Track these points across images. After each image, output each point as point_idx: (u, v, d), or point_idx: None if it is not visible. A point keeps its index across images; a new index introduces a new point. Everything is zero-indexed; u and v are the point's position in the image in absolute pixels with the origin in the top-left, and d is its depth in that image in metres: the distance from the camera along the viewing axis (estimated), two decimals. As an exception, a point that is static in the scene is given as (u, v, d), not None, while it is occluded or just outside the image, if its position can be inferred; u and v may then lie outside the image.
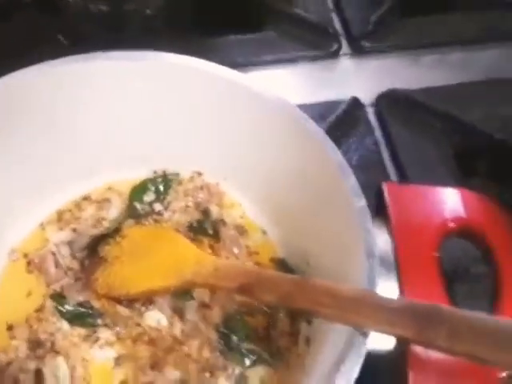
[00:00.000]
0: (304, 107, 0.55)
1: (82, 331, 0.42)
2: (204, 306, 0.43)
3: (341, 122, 0.58)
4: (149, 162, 0.50)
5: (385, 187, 0.39)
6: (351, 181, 0.36)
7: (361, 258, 0.33)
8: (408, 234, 0.37)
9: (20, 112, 0.43)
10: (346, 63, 0.66)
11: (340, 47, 0.65)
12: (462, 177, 0.56)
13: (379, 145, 0.58)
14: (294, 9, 0.67)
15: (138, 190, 0.49)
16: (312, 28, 0.66)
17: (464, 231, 0.39)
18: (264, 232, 0.48)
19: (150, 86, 0.45)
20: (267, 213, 0.48)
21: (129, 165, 0.49)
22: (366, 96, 0.62)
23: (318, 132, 0.39)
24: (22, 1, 0.67)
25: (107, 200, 0.48)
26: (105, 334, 0.42)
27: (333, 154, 0.37)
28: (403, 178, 0.56)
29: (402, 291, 0.36)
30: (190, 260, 0.39)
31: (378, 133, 0.59)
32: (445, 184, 0.55)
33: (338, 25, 0.68)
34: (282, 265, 0.46)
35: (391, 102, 0.61)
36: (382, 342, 0.35)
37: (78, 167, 0.48)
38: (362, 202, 0.35)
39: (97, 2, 0.66)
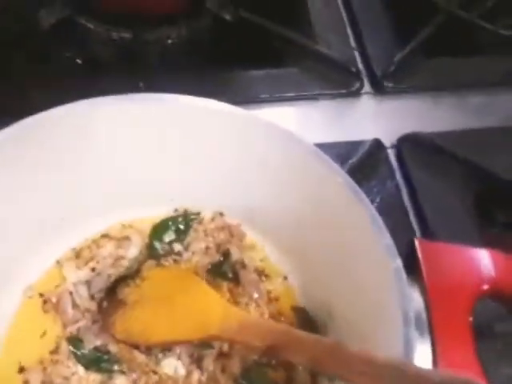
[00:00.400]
0: (324, 146, 0.55)
1: (97, 377, 0.41)
2: (223, 355, 0.42)
3: (362, 163, 0.58)
4: (170, 201, 0.49)
5: (417, 244, 0.38)
6: (386, 238, 0.35)
7: (395, 322, 0.32)
8: (442, 295, 0.36)
9: (42, 150, 0.42)
10: (367, 102, 0.65)
11: (362, 86, 0.65)
12: (481, 223, 0.55)
13: (400, 188, 0.58)
14: (316, 46, 0.66)
15: (159, 229, 0.48)
16: (334, 66, 0.65)
17: (495, 292, 0.38)
18: (285, 277, 0.47)
19: (170, 127, 0.45)
20: (290, 258, 0.47)
21: (150, 202, 0.48)
22: (387, 137, 0.61)
23: (349, 183, 0.38)
24: (40, 27, 0.66)
25: (127, 238, 0.47)
26: (121, 380, 0.41)
27: (366, 207, 0.36)
28: (423, 221, 0.55)
29: (434, 355, 0.35)
30: (216, 313, 0.38)
31: (399, 176, 0.59)
32: (465, 232, 0.55)
33: (360, 63, 0.67)
34: (302, 314, 0.45)
35: (412, 144, 0.61)
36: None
37: (97, 204, 0.47)
38: (397, 263, 0.34)
39: (119, 30, 0.65)
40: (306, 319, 0.44)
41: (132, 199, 0.48)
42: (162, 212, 0.49)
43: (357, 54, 0.68)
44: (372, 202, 0.55)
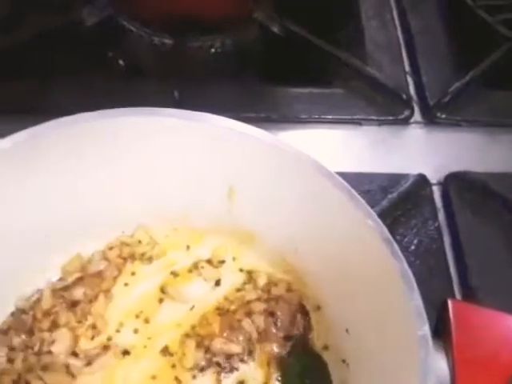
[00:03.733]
0: (363, 176, 0.51)
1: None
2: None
3: (403, 199, 0.53)
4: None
5: (451, 306, 0.33)
6: (415, 299, 0.31)
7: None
8: (472, 368, 0.31)
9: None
10: (416, 132, 0.60)
11: (412, 114, 0.60)
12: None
13: (442, 232, 0.52)
14: (366, 67, 0.62)
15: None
16: (384, 90, 0.60)
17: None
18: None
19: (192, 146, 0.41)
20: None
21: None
22: (434, 173, 0.56)
23: (382, 232, 0.33)
24: (84, 23, 0.65)
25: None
26: None
27: (397, 263, 0.32)
28: (463, 271, 0.50)
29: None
30: None
31: (442, 217, 0.54)
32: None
33: (412, 90, 0.62)
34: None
35: (461, 184, 0.55)
36: None
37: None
38: (424, 330, 0.30)
39: (161, 35, 0.63)
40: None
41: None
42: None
43: (410, 79, 0.63)
44: (409, 242, 0.51)
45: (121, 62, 0.67)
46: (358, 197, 0.36)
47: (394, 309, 0.32)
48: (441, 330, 0.35)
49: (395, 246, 0.33)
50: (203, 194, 0.43)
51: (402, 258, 0.32)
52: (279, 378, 0.40)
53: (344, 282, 0.38)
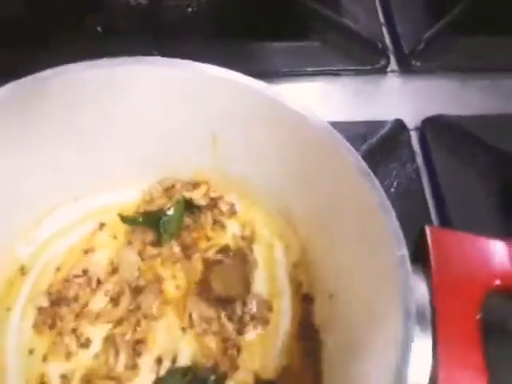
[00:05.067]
0: (344, 124, 0.53)
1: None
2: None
3: (382, 144, 0.55)
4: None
5: (428, 232, 0.35)
6: (393, 222, 0.33)
7: (396, 313, 0.30)
8: (449, 288, 0.34)
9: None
10: (392, 81, 0.62)
11: (388, 63, 0.62)
12: (505, 212, 0.52)
13: (420, 173, 0.55)
14: (342, 19, 0.63)
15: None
16: (360, 40, 0.62)
17: (508, 288, 0.35)
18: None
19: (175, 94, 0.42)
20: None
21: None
22: (411, 118, 0.58)
23: (361, 166, 0.35)
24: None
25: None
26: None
27: (376, 193, 0.34)
28: (442, 211, 0.52)
29: (435, 351, 0.32)
30: None
31: (420, 160, 0.56)
32: (487, 223, 0.52)
33: (387, 39, 0.64)
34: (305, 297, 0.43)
35: (437, 127, 0.57)
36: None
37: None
38: (402, 251, 0.32)
39: (137, -4, 0.63)
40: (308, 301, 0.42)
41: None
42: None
43: (385, 29, 0.65)
44: (389, 185, 0.53)
45: (98, 28, 0.67)
46: (338, 134, 0.37)
47: (373, 235, 0.34)
48: (420, 257, 0.37)
49: (373, 177, 0.35)
50: (187, 141, 0.44)
51: (380, 188, 0.34)
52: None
53: (328, 218, 0.40)
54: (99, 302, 0.43)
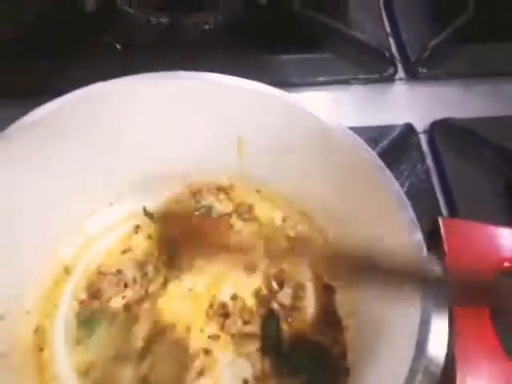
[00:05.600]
0: (356, 130, 0.56)
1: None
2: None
3: (393, 147, 0.58)
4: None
5: (441, 222, 0.39)
6: (409, 213, 0.36)
7: (415, 295, 0.33)
8: (461, 271, 0.37)
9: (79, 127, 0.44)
10: (400, 88, 0.65)
11: (396, 72, 0.65)
12: (511, 209, 0.55)
13: (430, 173, 0.58)
14: (350, 31, 0.67)
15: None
16: (368, 51, 0.66)
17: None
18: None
19: (203, 105, 0.46)
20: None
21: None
22: (420, 122, 0.61)
23: (376, 161, 0.39)
24: (85, 9, 0.69)
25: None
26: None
27: (391, 185, 0.37)
28: (452, 206, 0.55)
29: (451, 328, 0.35)
30: None
31: (429, 160, 0.59)
32: (494, 218, 0.55)
33: (394, 49, 0.68)
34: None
35: (445, 130, 0.61)
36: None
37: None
38: (418, 236, 0.35)
39: (157, 15, 0.67)
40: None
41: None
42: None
43: (391, 39, 0.68)
44: (401, 185, 0.57)
45: (118, 46, 0.71)
46: (356, 136, 0.41)
47: (389, 223, 0.37)
48: (433, 247, 0.40)
49: (388, 171, 0.38)
50: (214, 147, 0.47)
51: (395, 181, 0.38)
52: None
53: (349, 216, 0.43)
54: (116, 302, 0.46)
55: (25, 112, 0.42)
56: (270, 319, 0.45)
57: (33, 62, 0.62)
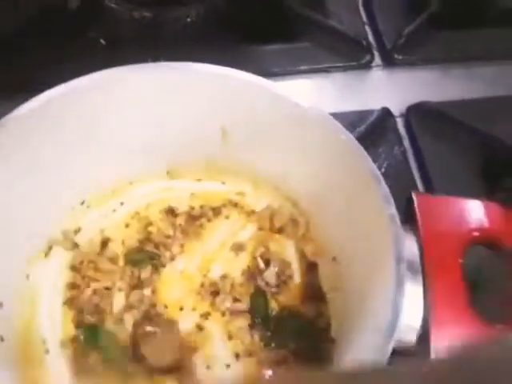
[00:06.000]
0: (336, 115, 0.58)
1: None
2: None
3: (371, 131, 0.61)
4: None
5: (414, 197, 0.41)
6: (383, 188, 0.39)
7: (390, 262, 0.36)
8: (435, 241, 0.39)
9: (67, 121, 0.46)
10: (377, 74, 0.68)
11: (372, 59, 0.68)
12: (487, 190, 0.58)
13: (407, 155, 0.61)
14: (328, 21, 0.69)
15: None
16: (346, 40, 0.68)
17: (486, 240, 0.41)
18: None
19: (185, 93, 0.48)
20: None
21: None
22: (396, 107, 0.64)
23: (352, 142, 0.41)
24: (68, 6, 0.70)
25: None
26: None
27: (366, 162, 0.40)
28: (429, 187, 0.58)
29: (426, 294, 0.38)
30: None
31: (406, 143, 0.62)
32: (468, 195, 0.58)
33: (371, 37, 0.70)
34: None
35: (420, 113, 0.63)
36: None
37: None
38: (392, 209, 0.37)
39: (140, 10, 0.69)
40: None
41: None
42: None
43: (368, 28, 0.71)
44: (380, 166, 0.59)
45: (102, 40, 0.73)
46: (333, 119, 0.43)
47: (367, 199, 0.40)
48: (408, 221, 0.43)
49: (363, 150, 0.40)
50: (200, 133, 0.50)
51: (369, 159, 0.40)
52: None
53: (327, 192, 0.45)
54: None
55: (10, 107, 0.44)
56: (258, 296, 0.47)
57: (18, 59, 0.64)
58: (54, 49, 0.66)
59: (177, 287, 0.48)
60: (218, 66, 0.47)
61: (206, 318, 0.47)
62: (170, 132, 0.50)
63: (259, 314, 0.46)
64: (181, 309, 0.47)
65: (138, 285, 0.48)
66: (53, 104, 0.45)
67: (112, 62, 0.60)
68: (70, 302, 0.47)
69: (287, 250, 0.50)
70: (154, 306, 0.47)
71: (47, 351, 0.45)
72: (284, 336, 0.45)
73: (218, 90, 0.46)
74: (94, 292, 0.47)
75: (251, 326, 0.46)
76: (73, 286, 0.48)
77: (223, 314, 0.47)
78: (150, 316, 0.46)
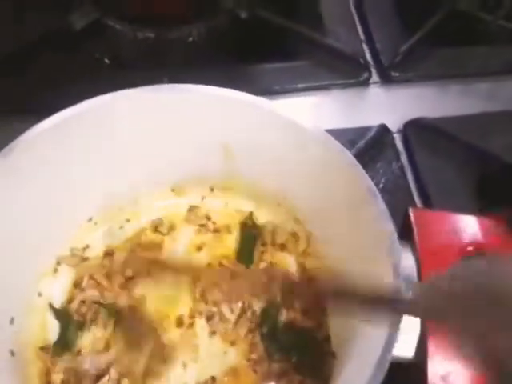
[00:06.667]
0: (335, 132, 0.59)
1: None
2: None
3: (369, 147, 0.62)
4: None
5: (411, 212, 0.43)
6: (380, 204, 0.40)
7: (387, 275, 0.37)
8: (431, 255, 0.41)
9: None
10: (375, 91, 0.70)
11: (370, 76, 0.69)
12: (482, 203, 0.59)
13: (405, 170, 0.62)
14: (326, 39, 0.71)
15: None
16: (344, 58, 0.69)
17: (480, 254, 0.42)
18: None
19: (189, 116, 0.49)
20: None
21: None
22: (394, 123, 0.66)
23: (350, 160, 0.42)
24: (72, 28, 0.72)
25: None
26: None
27: (364, 179, 0.41)
28: (426, 201, 0.59)
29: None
30: None
31: (404, 158, 0.63)
32: (465, 210, 0.59)
33: (368, 55, 0.72)
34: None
35: (417, 129, 0.65)
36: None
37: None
38: (389, 225, 0.39)
39: (144, 30, 0.71)
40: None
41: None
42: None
43: (365, 46, 0.72)
44: (378, 182, 0.61)
45: (106, 60, 0.75)
46: (330, 136, 0.45)
47: (364, 215, 0.41)
48: (405, 235, 0.44)
49: (359, 167, 0.42)
50: (202, 153, 0.51)
51: (366, 176, 0.42)
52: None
53: (327, 208, 0.47)
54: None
55: (13, 129, 0.44)
56: (269, 307, 0.48)
57: (22, 80, 0.66)
58: (58, 70, 0.68)
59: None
60: (218, 87, 0.48)
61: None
62: (173, 152, 0.52)
63: (268, 325, 0.48)
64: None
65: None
66: (60, 126, 0.46)
67: (116, 80, 0.62)
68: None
69: (289, 264, 0.52)
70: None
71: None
72: (286, 347, 0.46)
73: (219, 110, 0.48)
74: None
75: (253, 336, 0.47)
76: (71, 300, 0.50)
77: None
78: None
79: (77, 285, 0.50)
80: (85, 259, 0.51)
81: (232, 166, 0.52)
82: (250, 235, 0.52)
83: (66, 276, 0.50)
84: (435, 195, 0.59)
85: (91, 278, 0.50)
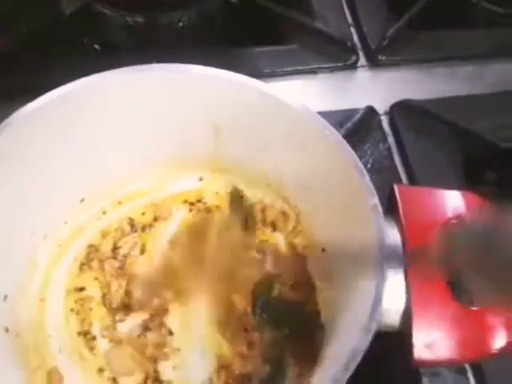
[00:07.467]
0: (323, 114, 0.61)
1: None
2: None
3: (357, 128, 0.63)
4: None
5: (396, 189, 0.44)
6: (366, 180, 0.41)
7: (373, 249, 0.38)
8: (415, 230, 0.42)
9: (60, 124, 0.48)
10: (362, 74, 0.71)
11: (357, 60, 0.70)
12: (468, 183, 0.61)
13: (392, 150, 0.63)
14: (315, 23, 0.72)
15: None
16: (332, 41, 0.70)
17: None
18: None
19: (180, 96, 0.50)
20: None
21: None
22: (381, 105, 0.67)
23: (337, 137, 0.44)
24: (63, 12, 0.72)
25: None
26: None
27: (350, 156, 0.42)
28: (413, 181, 0.61)
29: (408, 279, 0.41)
30: None
31: (390, 139, 0.64)
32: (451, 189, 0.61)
33: (356, 38, 0.73)
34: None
35: (404, 111, 0.66)
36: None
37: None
38: (375, 200, 0.40)
39: (134, 15, 0.71)
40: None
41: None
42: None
43: (353, 29, 0.73)
44: (366, 162, 0.62)
45: (96, 46, 0.75)
46: (318, 115, 0.46)
47: (351, 191, 0.42)
48: (391, 210, 0.45)
49: (347, 145, 0.43)
50: (193, 133, 0.52)
51: (353, 153, 0.43)
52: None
53: (314, 185, 0.48)
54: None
55: (6, 113, 0.45)
56: (264, 280, 0.50)
57: (12, 66, 0.66)
58: (48, 56, 0.68)
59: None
60: (209, 67, 0.49)
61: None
62: (163, 133, 0.52)
63: (262, 297, 0.49)
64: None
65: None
66: (50, 106, 0.47)
67: (107, 66, 0.63)
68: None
69: (279, 242, 0.53)
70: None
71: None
72: (278, 319, 0.47)
73: (209, 90, 0.49)
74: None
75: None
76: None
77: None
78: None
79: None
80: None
81: (222, 146, 0.53)
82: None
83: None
84: (421, 175, 0.60)
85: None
